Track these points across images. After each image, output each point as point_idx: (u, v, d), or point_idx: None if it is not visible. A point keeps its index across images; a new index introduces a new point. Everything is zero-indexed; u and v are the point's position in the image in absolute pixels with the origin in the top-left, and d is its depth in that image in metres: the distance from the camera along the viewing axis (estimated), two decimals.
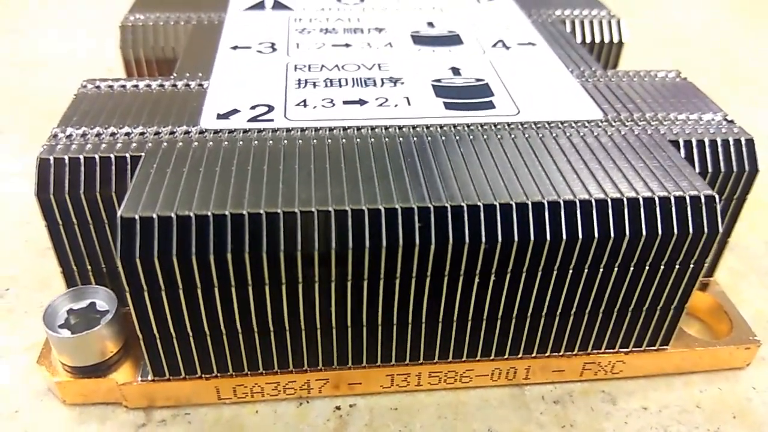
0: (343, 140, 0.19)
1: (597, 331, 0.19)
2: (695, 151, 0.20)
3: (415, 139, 0.19)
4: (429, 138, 0.19)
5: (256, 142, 0.19)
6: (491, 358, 0.19)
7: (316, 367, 0.19)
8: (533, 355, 0.20)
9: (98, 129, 0.19)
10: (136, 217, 0.16)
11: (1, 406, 0.19)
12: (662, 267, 0.18)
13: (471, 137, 0.19)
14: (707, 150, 0.20)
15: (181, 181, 0.17)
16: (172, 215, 0.16)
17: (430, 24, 0.27)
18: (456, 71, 0.23)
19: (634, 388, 0.20)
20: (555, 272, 0.18)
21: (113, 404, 0.19)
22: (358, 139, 0.19)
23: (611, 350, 0.20)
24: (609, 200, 0.17)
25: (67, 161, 0.18)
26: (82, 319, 0.19)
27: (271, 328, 0.18)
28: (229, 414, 0.19)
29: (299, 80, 0.22)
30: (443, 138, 0.19)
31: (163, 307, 0.17)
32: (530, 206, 0.17)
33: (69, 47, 0.40)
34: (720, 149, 0.20)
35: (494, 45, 0.25)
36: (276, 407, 0.19)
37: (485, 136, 0.19)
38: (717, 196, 0.17)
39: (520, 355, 0.19)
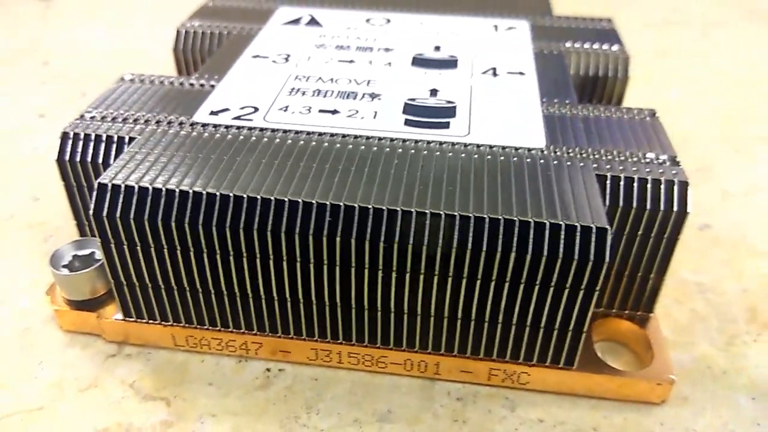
0: (301, 142, 0.22)
1: (500, 339, 0.21)
2: (621, 186, 0.21)
3: (362, 147, 0.22)
4: (375, 148, 0.22)
5: (229, 136, 0.22)
6: (403, 348, 0.22)
7: (252, 330, 0.22)
8: (441, 352, 0.22)
9: (117, 113, 0.24)
10: (109, 184, 0.20)
11: (18, 322, 0.24)
12: (552, 288, 0.19)
13: (412, 151, 0.22)
14: (635, 187, 0.21)
15: (157, 160, 0.21)
16: (135, 185, 0.20)
17: (437, 48, 0.29)
18: (434, 92, 0.25)
19: (539, 401, 0.22)
20: (464, 279, 0.20)
21: (96, 336, 0.23)
22: (313, 143, 0.22)
23: (515, 360, 0.21)
24: (503, 219, 0.19)
25: (82, 136, 0.23)
26: (82, 263, 0.23)
27: (213, 290, 0.21)
28: (181, 358, 0.23)
29: (293, 88, 0.25)
30: (387, 149, 0.22)
31: (126, 260, 0.21)
32: (443, 216, 0.19)
33: (142, 44, 0.47)
34: (649, 188, 0.21)
35: (485, 72, 0.27)
36: (219, 360, 0.23)
37: (425, 152, 0.22)
38: (609, 229, 0.19)
39: (429, 350, 0.22)
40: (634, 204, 0.21)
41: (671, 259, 0.22)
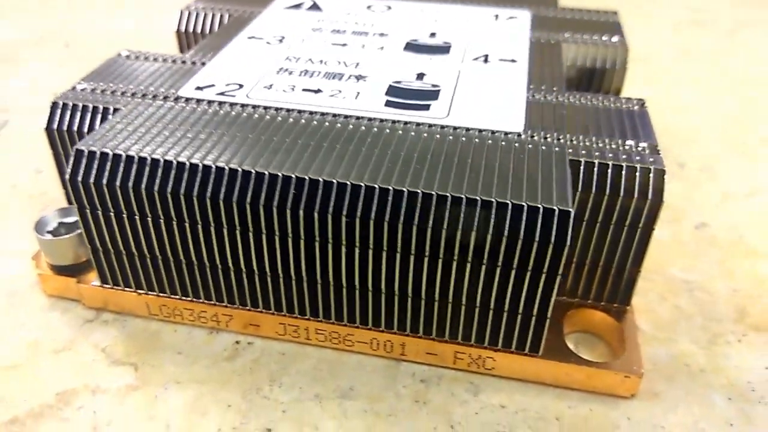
0: (279, 118, 0.22)
1: (464, 322, 0.21)
2: (595, 172, 0.20)
3: (338, 125, 0.22)
4: (351, 126, 0.22)
5: (210, 110, 0.23)
6: (369, 327, 0.22)
7: (223, 302, 0.22)
8: (406, 332, 0.21)
9: (107, 86, 0.24)
10: (86, 150, 0.21)
11: (6, 285, 0.25)
12: (514, 270, 0.19)
13: (388, 130, 0.22)
14: (608, 173, 0.20)
15: (135, 130, 0.22)
16: (110, 152, 0.20)
17: (433, 34, 0.29)
18: (420, 76, 0.25)
19: (504, 387, 0.21)
20: (425, 257, 0.19)
21: (77, 301, 0.24)
22: (291, 119, 0.22)
23: (481, 345, 0.21)
24: (465, 198, 0.19)
25: (70, 106, 0.23)
26: (66, 230, 0.24)
27: (184, 259, 0.22)
28: (155, 327, 0.23)
29: (281, 68, 0.26)
30: (363, 128, 0.22)
31: (101, 226, 0.21)
32: (405, 193, 0.19)
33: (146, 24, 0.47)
34: (624, 175, 0.20)
35: (476, 58, 0.27)
36: (191, 330, 0.23)
37: (400, 131, 0.22)
38: (571, 212, 0.18)
39: (395, 330, 0.21)
40: (608, 190, 0.20)
41: (647, 250, 0.21)
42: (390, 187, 0.19)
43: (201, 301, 0.23)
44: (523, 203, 0.18)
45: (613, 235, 0.21)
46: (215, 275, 0.22)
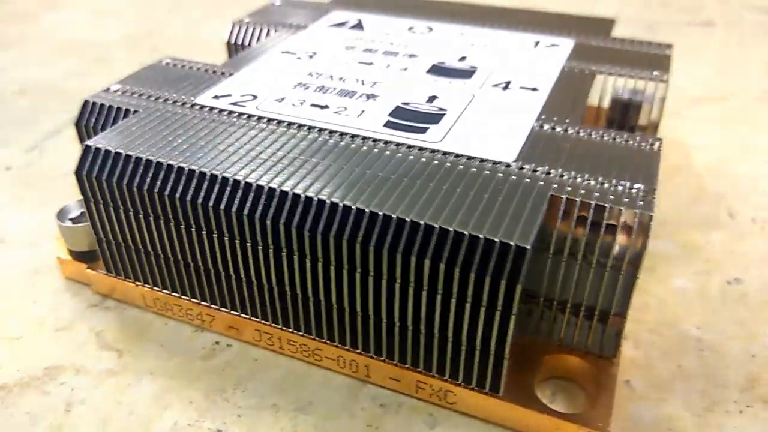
0: (276, 131, 0.23)
1: (425, 351, 0.20)
2: (575, 211, 0.19)
3: (329, 141, 0.22)
4: (341, 143, 0.22)
5: (216, 118, 0.24)
6: (337, 344, 0.22)
7: (207, 302, 0.23)
8: (370, 354, 0.21)
9: (137, 90, 0.26)
10: (93, 147, 0.22)
11: (31, 264, 0.27)
12: (469, 304, 0.18)
13: (375, 150, 0.22)
14: (590, 213, 0.19)
15: (144, 132, 0.23)
16: (113, 150, 0.22)
17: (463, 58, 0.29)
18: (432, 99, 0.25)
19: (462, 424, 0.20)
20: (383, 280, 0.19)
21: (89, 286, 0.26)
22: (287, 132, 0.23)
23: (442, 377, 0.20)
24: (424, 224, 0.18)
25: (98, 105, 0.25)
26: (87, 220, 0.26)
27: (172, 257, 0.23)
28: (148, 318, 0.24)
29: (300, 83, 0.26)
30: (352, 145, 0.22)
31: (104, 219, 0.23)
32: (366, 213, 0.19)
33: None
34: (605, 216, 0.19)
35: (496, 84, 0.26)
36: (180, 326, 0.24)
37: (387, 152, 0.22)
38: (528, 249, 0.17)
39: (359, 350, 0.21)
40: (587, 231, 0.19)
41: (631, 298, 0.20)
42: (353, 206, 0.19)
43: (188, 298, 0.24)
44: (481, 236, 0.18)
45: (594, 278, 0.20)
46: (201, 276, 0.23)
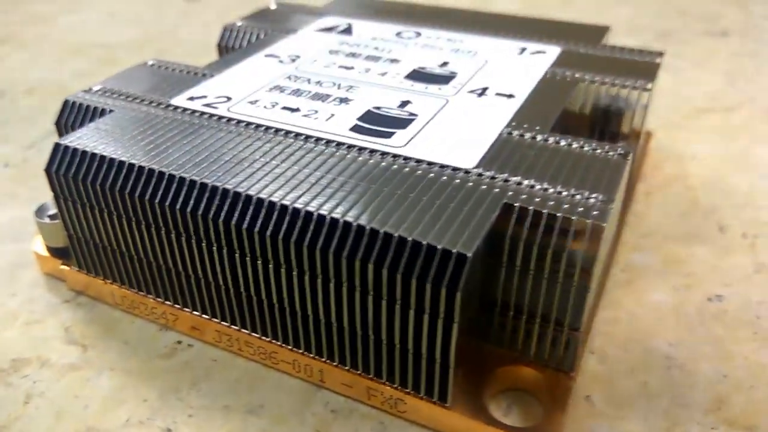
0: (242, 132, 0.23)
1: (374, 356, 0.20)
2: (528, 220, 0.19)
3: (292, 143, 0.22)
4: (303, 145, 0.22)
5: (187, 120, 0.24)
6: (292, 348, 0.21)
7: (170, 302, 0.23)
8: (324, 359, 0.21)
9: (117, 90, 0.27)
10: (63, 145, 0.23)
11: (15, 258, 0.28)
12: (412, 310, 0.18)
13: (337, 153, 0.22)
14: (542, 222, 0.19)
15: (114, 131, 0.23)
16: (80, 149, 0.22)
17: (445, 63, 0.28)
18: (404, 104, 0.25)
19: None
20: (331, 282, 0.19)
21: (65, 282, 0.26)
22: (253, 134, 0.23)
23: (392, 384, 0.20)
24: (368, 228, 0.18)
25: (77, 105, 0.26)
26: None
27: (136, 255, 0.23)
28: (117, 316, 0.25)
29: (276, 85, 0.27)
30: (313, 148, 0.22)
31: (73, 216, 0.23)
32: (314, 216, 0.19)
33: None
34: (557, 225, 0.19)
35: (472, 90, 0.26)
36: (145, 324, 0.24)
37: (348, 156, 0.21)
38: (468, 257, 0.17)
39: (313, 355, 0.21)
40: (538, 240, 0.19)
41: (584, 310, 0.19)
42: (301, 208, 0.19)
43: (153, 297, 0.24)
44: (424, 242, 0.17)
45: (547, 289, 0.19)
46: (164, 275, 0.23)
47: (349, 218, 0.18)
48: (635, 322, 0.24)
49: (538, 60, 0.29)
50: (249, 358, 0.23)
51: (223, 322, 0.23)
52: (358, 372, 0.21)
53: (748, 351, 0.23)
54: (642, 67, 0.28)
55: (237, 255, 0.20)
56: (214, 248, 0.21)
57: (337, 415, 0.21)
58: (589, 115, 0.27)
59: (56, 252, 0.26)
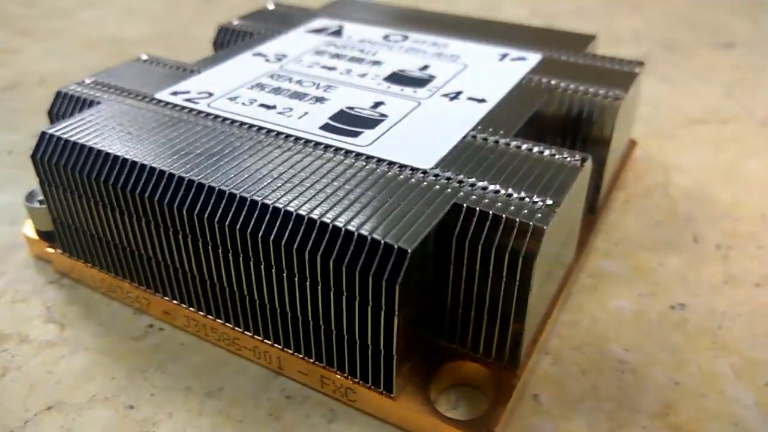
0: (217, 127, 0.24)
1: (325, 346, 0.21)
2: (474, 219, 0.19)
3: (261, 138, 0.23)
4: (270, 140, 0.23)
5: (168, 113, 0.25)
6: (252, 335, 0.22)
7: (143, 287, 0.24)
8: (282, 347, 0.22)
9: (107, 83, 0.28)
10: (48, 134, 0.24)
11: (6, 240, 0.29)
12: (357, 301, 0.19)
13: (300, 148, 0.23)
14: (487, 222, 0.19)
15: (97, 122, 0.25)
16: (63, 138, 0.23)
17: (424, 67, 0.29)
18: (377, 105, 0.26)
19: (360, 422, 0.21)
20: (284, 273, 0.20)
21: (51, 264, 0.28)
22: (227, 129, 0.24)
23: (343, 373, 0.21)
24: (319, 221, 0.19)
25: (68, 96, 0.27)
26: None
27: (112, 241, 0.24)
28: (95, 298, 0.26)
29: (258, 83, 0.28)
30: (279, 144, 0.23)
31: (57, 201, 0.25)
32: (270, 208, 0.20)
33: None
34: (501, 226, 0.19)
35: (446, 94, 0.27)
36: (122, 308, 0.25)
37: (311, 152, 0.22)
38: (408, 251, 0.18)
39: (272, 343, 0.22)
40: (482, 240, 0.19)
41: (525, 309, 0.20)
42: (259, 200, 0.20)
43: (129, 282, 0.25)
44: (368, 236, 0.18)
45: (492, 288, 0.20)
46: (138, 262, 0.24)
47: (301, 212, 0.19)
48: (595, 326, 0.25)
49: (517, 66, 0.29)
50: (214, 344, 0.24)
51: (191, 308, 0.24)
52: (313, 361, 0.21)
53: (704, 360, 0.23)
54: (619, 76, 0.29)
55: (200, 244, 0.21)
56: (180, 237, 0.22)
57: (291, 401, 0.22)
58: (561, 122, 0.27)
59: (44, 235, 0.28)
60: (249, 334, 0.23)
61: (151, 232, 0.22)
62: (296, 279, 0.20)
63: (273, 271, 0.20)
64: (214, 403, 0.22)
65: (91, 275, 0.26)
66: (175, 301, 0.24)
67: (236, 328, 0.23)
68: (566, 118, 0.27)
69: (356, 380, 0.21)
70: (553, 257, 0.22)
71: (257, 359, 0.23)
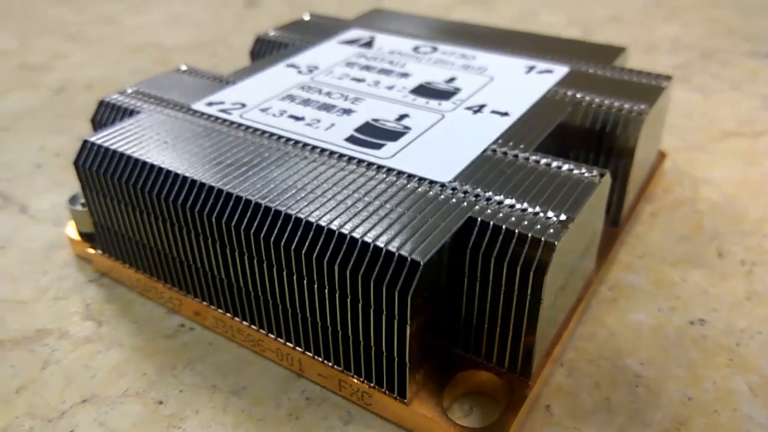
0: (254, 139, 0.25)
1: (343, 350, 0.22)
2: (488, 233, 0.20)
3: (290, 150, 0.24)
4: (298, 152, 0.24)
5: (203, 123, 0.26)
6: (275, 337, 0.23)
7: (176, 288, 0.26)
8: (303, 350, 0.23)
9: (148, 92, 0.29)
10: (90, 142, 0.25)
11: (52, 239, 0.31)
12: (372, 309, 0.20)
13: (324, 160, 0.23)
14: (500, 236, 0.20)
15: (137, 132, 0.26)
16: (104, 146, 0.25)
17: (451, 80, 0.30)
18: (402, 117, 0.26)
19: (376, 425, 0.22)
20: (304, 280, 0.21)
21: (92, 264, 0.29)
22: (264, 141, 0.25)
23: (359, 377, 0.22)
24: (337, 232, 0.20)
25: (110, 106, 0.29)
26: None
27: (148, 244, 0.25)
28: (131, 297, 0.27)
29: (289, 95, 0.29)
30: (306, 155, 0.24)
31: (98, 205, 0.26)
32: (292, 217, 0.21)
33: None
34: (514, 241, 0.20)
35: (470, 107, 0.27)
36: (156, 307, 0.27)
37: (334, 163, 0.23)
38: (420, 263, 0.18)
39: (294, 346, 0.23)
40: (495, 252, 0.20)
41: (537, 323, 0.20)
42: (282, 210, 0.21)
43: (163, 283, 0.26)
44: (383, 247, 0.19)
45: (505, 300, 0.20)
46: (171, 263, 0.25)
47: (322, 222, 0.20)
48: (612, 339, 0.25)
49: (543, 79, 0.30)
50: (240, 345, 0.25)
51: (219, 310, 0.25)
52: (331, 365, 0.22)
53: (719, 377, 0.23)
54: (646, 90, 0.29)
55: (227, 250, 0.22)
56: (209, 242, 0.23)
57: (310, 402, 0.23)
58: (586, 136, 0.27)
59: (85, 236, 0.29)
60: (272, 336, 0.24)
61: (183, 237, 0.24)
62: (315, 286, 0.21)
63: (294, 277, 0.21)
64: (238, 401, 0.23)
65: (128, 275, 0.27)
66: (205, 303, 0.25)
67: (260, 331, 0.24)
68: (590, 131, 0.27)
69: (372, 385, 0.22)
70: (569, 270, 0.22)
71: (280, 361, 0.24)
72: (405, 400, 0.21)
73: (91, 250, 0.28)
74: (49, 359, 0.25)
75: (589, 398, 0.23)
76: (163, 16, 0.62)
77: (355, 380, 0.22)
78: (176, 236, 0.24)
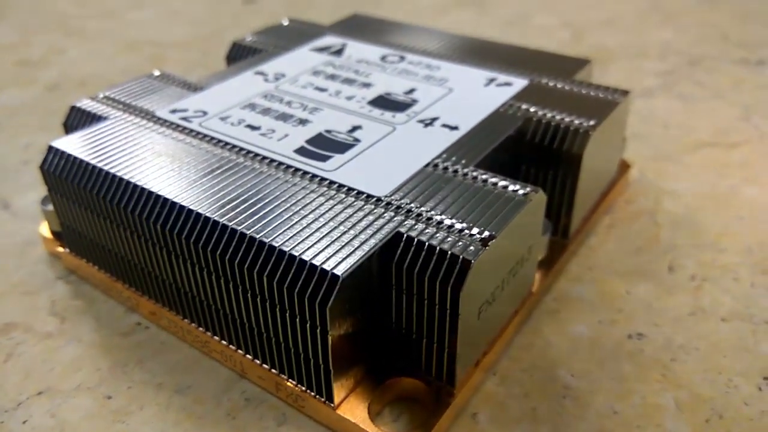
0: (208, 148, 0.26)
1: (276, 354, 0.23)
2: (412, 248, 0.21)
3: (239, 160, 0.25)
4: (246, 162, 0.25)
5: (162, 131, 0.27)
6: (220, 340, 0.25)
7: (132, 288, 0.27)
8: (244, 353, 0.24)
9: (118, 98, 0.31)
10: (54, 147, 0.27)
11: (29, 237, 0.32)
12: (298, 318, 0.21)
13: (269, 172, 0.24)
14: (422, 252, 0.21)
15: (100, 137, 0.27)
16: (66, 151, 0.26)
17: (410, 91, 0.30)
18: (354, 129, 0.27)
19: (307, 427, 0.23)
20: (230, 284, 0.22)
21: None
22: (218, 150, 0.26)
23: (292, 381, 0.23)
24: (257, 240, 0.21)
25: (81, 112, 0.30)
26: None
27: (107, 246, 0.27)
28: (94, 295, 0.29)
29: (251, 103, 0.30)
30: (253, 165, 0.25)
31: (62, 207, 0.27)
32: (219, 224, 0.22)
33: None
34: (435, 258, 0.20)
35: (422, 120, 0.28)
36: (116, 306, 0.28)
37: (276, 175, 0.24)
38: (339, 277, 0.19)
39: (235, 348, 0.24)
40: (417, 267, 0.21)
41: (456, 336, 0.21)
42: (219, 221, 0.22)
43: (122, 283, 0.27)
44: (307, 260, 0.20)
45: (428, 312, 0.21)
46: (128, 266, 0.26)
47: (252, 234, 0.21)
48: (548, 350, 0.26)
49: (501, 92, 0.30)
50: (191, 345, 0.26)
51: (172, 311, 0.26)
52: (269, 368, 0.23)
53: (649, 392, 0.24)
54: (600, 104, 0.29)
55: (172, 256, 0.23)
56: (157, 248, 0.24)
57: (249, 403, 0.24)
58: (535, 150, 0.28)
59: (56, 235, 0.31)
60: (217, 339, 0.25)
61: (135, 242, 0.25)
62: (249, 294, 0.22)
63: (231, 285, 0.22)
64: (181, 399, 0.24)
65: (92, 274, 0.29)
66: (159, 304, 0.26)
67: (207, 333, 0.25)
68: (539, 145, 0.28)
69: (304, 389, 0.23)
70: (496, 285, 0.23)
71: (224, 362, 0.25)
72: (333, 405, 0.22)
73: (61, 249, 0.30)
74: (12, 352, 0.26)
75: (517, 407, 0.23)
76: (163, 13, 0.63)
77: (290, 384, 0.23)
78: (132, 242, 0.25)
